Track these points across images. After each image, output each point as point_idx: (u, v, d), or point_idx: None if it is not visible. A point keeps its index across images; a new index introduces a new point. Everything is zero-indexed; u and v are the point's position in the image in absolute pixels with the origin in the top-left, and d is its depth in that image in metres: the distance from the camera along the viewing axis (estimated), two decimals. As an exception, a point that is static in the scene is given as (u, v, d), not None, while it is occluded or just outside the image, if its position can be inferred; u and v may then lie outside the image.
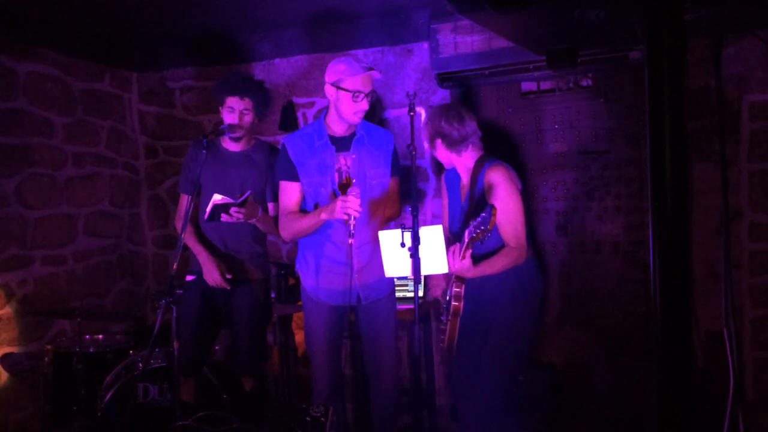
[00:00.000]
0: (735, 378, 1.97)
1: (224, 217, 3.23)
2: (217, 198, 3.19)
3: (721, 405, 2.15)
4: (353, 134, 3.10)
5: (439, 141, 3.03)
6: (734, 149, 3.61)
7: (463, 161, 3.06)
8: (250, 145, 3.55)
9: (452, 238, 3.11)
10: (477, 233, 2.61)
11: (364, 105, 2.99)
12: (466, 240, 2.68)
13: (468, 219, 2.94)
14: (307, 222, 3.04)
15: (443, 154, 3.06)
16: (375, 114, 4.26)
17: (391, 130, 4.00)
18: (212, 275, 3.40)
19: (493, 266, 2.89)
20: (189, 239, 3.47)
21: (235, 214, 3.21)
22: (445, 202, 3.26)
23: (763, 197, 3.58)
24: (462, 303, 2.93)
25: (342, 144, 3.07)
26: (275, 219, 3.52)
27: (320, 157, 3.05)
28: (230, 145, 3.51)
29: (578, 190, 3.70)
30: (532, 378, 3.60)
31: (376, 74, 3.01)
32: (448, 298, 3.04)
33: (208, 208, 3.22)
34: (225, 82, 3.46)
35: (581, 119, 3.68)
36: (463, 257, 2.75)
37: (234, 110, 3.39)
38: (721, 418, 2.12)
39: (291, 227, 3.11)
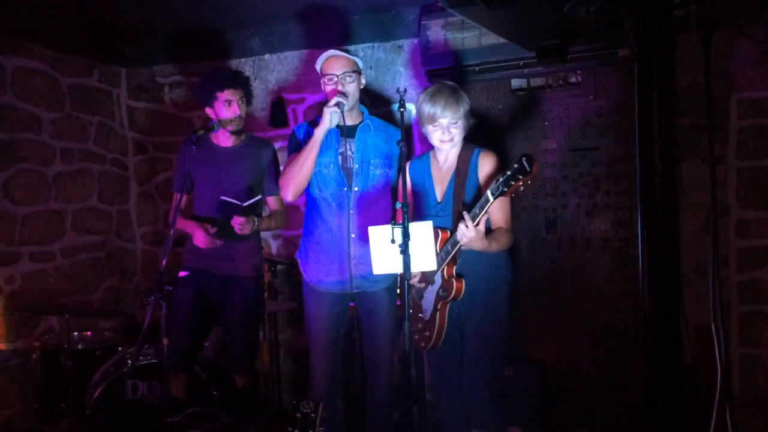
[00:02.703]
0: (723, 374, 1.98)
1: (235, 226, 3.27)
2: (224, 198, 3.26)
3: (708, 401, 2.16)
4: (359, 123, 3.17)
5: (462, 123, 2.93)
6: (722, 146, 3.63)
7: (458, 145, 3.00)
8: (241, 140, 3.54)
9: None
10: (512, 185, 2.50)
11: (339, 86, 3.06)
12: (491, 199, 2.59)
13: (461, 194, 2.88)
14: (302, 154, 3.05)
15: (452, 134, 2.96)
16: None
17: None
18: (201, 239, 3.39)
19: (498, 241, 2.82)
20: (180, 224, 3.45)
21: (240, 228, 3.26)
22: (411, 189, 3.10)
23: (750, 194, 3.61)
24: (463, 281, 2.86)
25: (348, 131, 3.14)
26: (276, 213, 3.53)
27: (326, 140, 3.09)
28: (221, 141, 3.50)
29: (567, 187, 3.71)
30: (522, 374, 3.61)
31: (346, 55, 3.10)
32: (429, 289, 3.02)
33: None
34: (217, 77, 3.45)
35: (571, 116, 3.69)
36: (477, 224, 2.66)
37: (232, 102, 3.39)
38: (708, 413, 2.13)
39: (289, 172, 3.10)
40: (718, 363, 1.96)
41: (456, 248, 2.79)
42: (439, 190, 3.03)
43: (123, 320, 4.53)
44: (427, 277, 2.99)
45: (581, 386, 3.62)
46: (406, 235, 2.64)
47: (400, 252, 2.65)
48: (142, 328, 3.02)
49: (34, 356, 3.80)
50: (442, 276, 2.90)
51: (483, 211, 2.66)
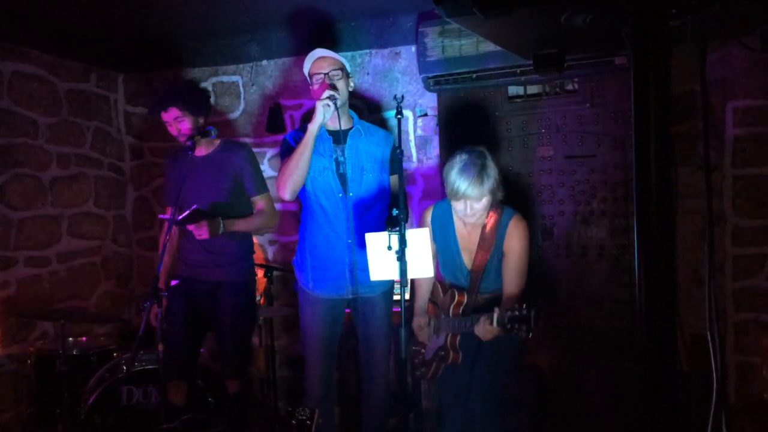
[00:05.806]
0: (718, 381, 1.98)
1: (194, 233, 3.29)
2: (161, 216, 3.28)
3: (704, 408, 2.17)
4: (350, 128, 3.17)
5: (487, 200, 2.87)
6: (718, 154, 3.65)
7: (483, 203, 2.91)
8: (215, 147, 3.54)
9: (447, 284, 3.09)
10: (515, 327, 2.59)
11: (325, 86, 3.05)
12: (495, 324, 2.67)
13: (482, 264, 2.92)
14: (297, 150, 3.04)
15: (475, 211, 2.92)
16: (362, 117, 4.26)
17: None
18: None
19: None
20: (168, 249, 3.51)
21: (196, 234, 3.28)
22: (431, 239, 3.04)
23: (746, 202, 3.62)
24: (460, 355, 2.93)
25: (339, 136, 3.14)
26: (262, 213, 3.51)
27: (319, 147, 3.11)
28: (198, 151, 3.48)
29: (564, 194, 3.71)
30: (518, 380, 3.60)
31: (333, 55, 3.11)
32: (434, 339, 3.04)
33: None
34: (152, 104, 3.52)
35: (567, 124, 3.71)
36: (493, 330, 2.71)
37: (169, 124, 3.44)
38: (704, 421, 2.13)
39: (285, 171, 3.08)
40: (714, 371, 1.96)
41: (467, 331, 2.84)
42: (467, 257, 3.02)
43: (118, 326, 4.51)
44: (437, 330, 3.03)
45: (577, 393, 3.62)
46: (402, 242, 2.64)
47: (396, 259, 2.65)
48: (137, 334, 3.02)
49: (29, 361, 3.79)
50: (446, 339, 2.95)
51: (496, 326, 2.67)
